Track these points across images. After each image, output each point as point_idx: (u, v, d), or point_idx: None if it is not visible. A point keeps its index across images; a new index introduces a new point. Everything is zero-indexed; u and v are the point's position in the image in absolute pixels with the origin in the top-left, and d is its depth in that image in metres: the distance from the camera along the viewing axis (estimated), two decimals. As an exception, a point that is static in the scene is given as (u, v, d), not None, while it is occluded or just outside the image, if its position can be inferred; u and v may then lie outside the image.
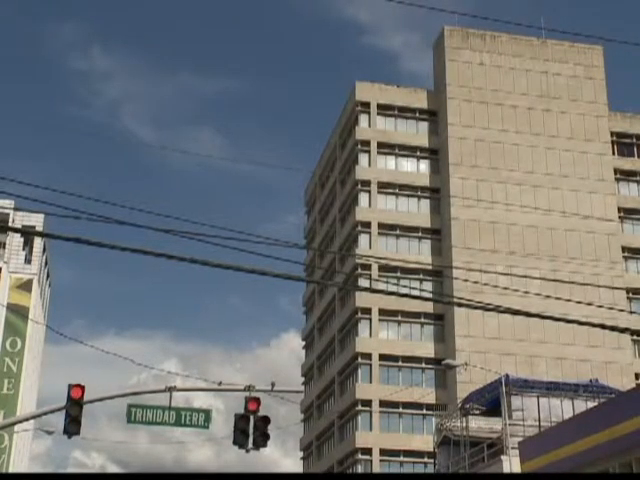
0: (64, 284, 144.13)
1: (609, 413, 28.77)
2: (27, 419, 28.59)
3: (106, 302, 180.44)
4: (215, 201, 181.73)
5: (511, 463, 33.65)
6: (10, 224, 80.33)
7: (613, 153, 71.24)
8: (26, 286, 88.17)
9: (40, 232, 64.40)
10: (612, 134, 71.70)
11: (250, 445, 21.10)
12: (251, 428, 21.12)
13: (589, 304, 22.21)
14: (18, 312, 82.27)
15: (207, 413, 22.43)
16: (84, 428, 20.69)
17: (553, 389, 39.38)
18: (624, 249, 68.30)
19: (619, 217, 69.14)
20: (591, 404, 35.86)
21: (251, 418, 21.19)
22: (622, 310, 54.52)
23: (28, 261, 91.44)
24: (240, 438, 21.00)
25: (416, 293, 46.71)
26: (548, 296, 24.86)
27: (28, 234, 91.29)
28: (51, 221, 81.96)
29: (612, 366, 62.28)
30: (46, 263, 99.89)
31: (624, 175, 71.64)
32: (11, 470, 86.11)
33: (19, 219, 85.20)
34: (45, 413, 23.23)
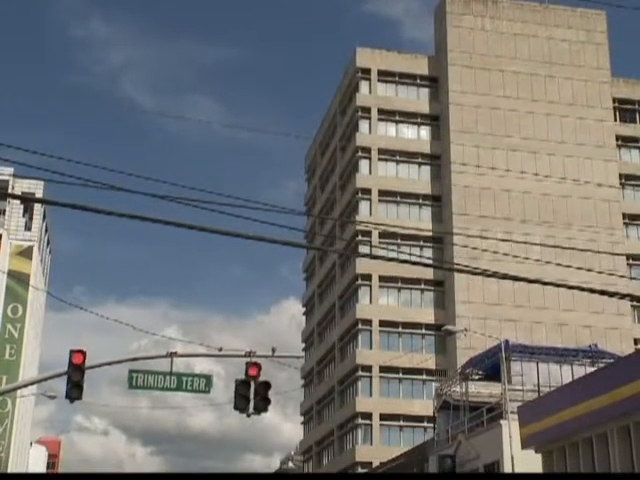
0: (65, 251, 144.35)
1: (608, 377, 28.92)
2: (29, 384, 28.74)
3: (107, 269, 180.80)
4: (215, 168, 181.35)
5: (510, 427, 33.90)
6: (10, 191, 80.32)
7: (615, 119, 70.96)
8: (26, 253, 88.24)
9: (40, 199, 64.45)
10: (614, 100, 71.38)
11: (251, 410, 21.19)
12: (252, 393, 21.20)
13: (589, 270, 22.21)
14: (19, 279, 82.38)
15: (208, 378, 22.51)
16: (86, 393, 20.79)
17: (552, 355, 39.54)
18: (625, 215, 68.28)
19: (620, 183, 69.04)
20: (590, 369, 36.05)
21: (252, 383, 21.24)
22: (622, 276, 54.62)
23: (28, 228, 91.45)
24: (241, 403, 21.08)
25: (416, 259, 46.83)
26: (548, 262, 24.87)
27: (28, 201, 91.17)
28: (51, 188, 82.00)
29: (612, 332, 62.52)
30: (46, 230, 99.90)
31: (625, 141, 71.42)
32: (14, 434, 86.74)
33: (19, 186, 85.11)
34: (47, 378, 23.33)
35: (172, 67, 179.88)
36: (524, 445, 33.42)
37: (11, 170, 78.59)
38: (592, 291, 17.15)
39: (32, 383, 28.57)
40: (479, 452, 38.11)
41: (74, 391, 20.06)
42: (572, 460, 31.22)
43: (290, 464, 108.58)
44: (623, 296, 17.35)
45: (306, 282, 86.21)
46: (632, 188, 70.46)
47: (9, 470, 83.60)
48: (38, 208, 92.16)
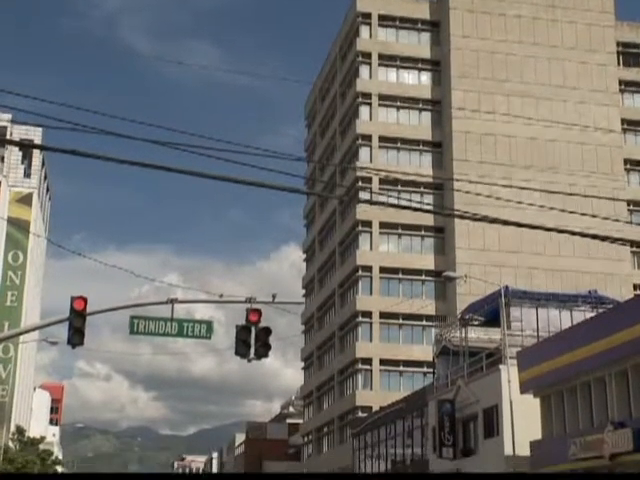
0: (64, 198, 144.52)
1: (607, 323, 29.10)
2: (31, 330, 28.92)
3: (107, 216, 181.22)
4: (214, 114, 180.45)
5: (509, 372, 34.20)
6: (8, 137, 79.87)
7: (618, 64, 70.20)
8: (26, 200, 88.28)
9: (38, 145, 64.05)
10: (618, 44, 70.51)
11: (252, 355, 21.30)
12: (252, 339, 21.29)
13: (593, 216, 22.11)
14: (19, 226, 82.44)
15: (209, 324, 22.58)
16: (88, 340, 20.91)
17: (552, 300, 39.72)
18: (626, 161, 67.95)
19: (622, 129, 68.56)
20: (589, 315, 36.23)
21: (252, 329, 21.32)
22: (625, 222, 54.53)
23: (27, 175, 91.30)
24: (242, 348, 21.18)
25: (417, 206, 46.87)
26: (552, 208, 24.83)
27: (26, 147, 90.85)
28: (50, 134, 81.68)
29: (611, 277, 62.61)
30: (45, 177, 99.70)
31: (628, 86, 70.74)
32: (17, 379, 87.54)
33: (17, 132, 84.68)
34: (48, 324, 23.44)
35: (169, 11, 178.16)
36: (523, 390, 33.77)
37: (9, 116, 78.13)
38: (593, 237, 17.13)
39: (34, 329, 28.72)
40: (478, 397, 38.50)
41: (76, 337, 20.15)
42: (570, 404, 31.56)
43: (291, 409, 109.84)
44: (622, 241, 17.31)
45: (306, 229, 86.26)
46: (634, 133, 70.02)
47: (13, 413, 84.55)
48: (37, 155, 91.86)
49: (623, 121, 68.70)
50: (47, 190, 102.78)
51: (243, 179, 13.65)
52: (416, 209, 15.52)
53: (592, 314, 35.91)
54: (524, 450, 32.83)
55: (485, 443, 37.97)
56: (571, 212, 22.70)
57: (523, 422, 32.94)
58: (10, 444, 66.18)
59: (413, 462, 48.91)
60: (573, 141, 66.52)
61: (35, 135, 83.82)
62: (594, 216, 21.79)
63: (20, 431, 69.14)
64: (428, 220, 65.72)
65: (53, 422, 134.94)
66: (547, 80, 67.66)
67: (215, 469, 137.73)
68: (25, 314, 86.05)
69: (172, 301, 22.12)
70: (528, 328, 38.87)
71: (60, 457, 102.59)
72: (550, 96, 67.27)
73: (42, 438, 73.89)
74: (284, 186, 14.22)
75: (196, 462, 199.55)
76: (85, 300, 20.43)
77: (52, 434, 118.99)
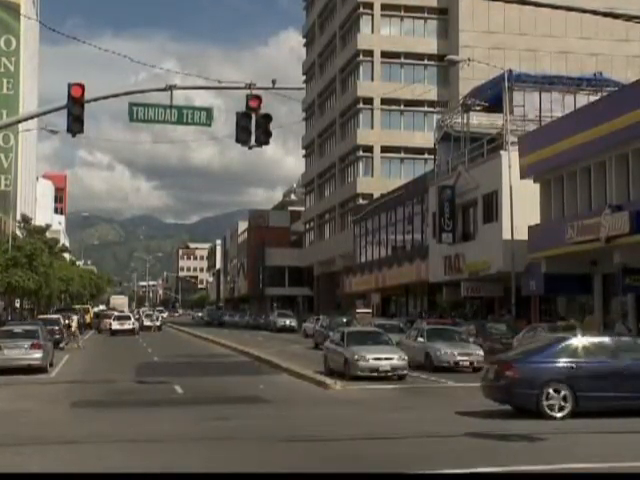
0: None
1: (610, 106, 28.75)
2: (30, 118, 28.50)
3: (101, 1, 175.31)
4: None
5: (510, 158, 34.20)
6: None
7: None
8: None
9: None
10: None
11: (252, 142, 21.09)
12: (253, 126, 21.00)
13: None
14: (9, 8, 79.74)
15: (209, 110, 22.20)
16: (88, 129, 20.60)
17: (556, 84, 39.14)
18: None
19: None
20: (593, 98, 35.79)
21: (253, 116, 20.99)
22: None
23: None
24: (243, 135, 20.93)
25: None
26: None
27: None
28: None
29: (618, 59, 60.86)
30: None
31: None
32: (20, 168, 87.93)
33: None
34: (47, 112, 23.05)
35: None
36: (523, 175, 33.93)
37: None
38: (604, 15, 16.51)
39: (32, 117, 28.29)
40: (478, 183, 38.79)
41: (75, 125, 19.84)
42: (569, 189, 31.80)
43: (292, 197, 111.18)
44: (637, 18, 16.64)
45: (306, 12, 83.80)
46: None
47: (18, 202, 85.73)
48: None
49: None
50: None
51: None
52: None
53: (596, 97, 35.46)
54: (522, 235, 33.41)
55: (484, 228, 38.65)
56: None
57: (522, 207, 33.31)
58: (17, 232, 67.39)
59: (413, 247, 50.05)
60: None
61: None
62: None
63: (26, 219, 70.14)
64: (432, 1, 63.82)
65: (58, 211, 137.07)
66: None
67: (219, 256, 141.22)
68: (23, 102, 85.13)
69: (171, 88, 21.59)
70: (531, 113, 38.58)
71: (67, 245, 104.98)
72: None
73: (47, 226, 75.13)
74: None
75: (200, 250, 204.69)
76: (82, 87, 19.94)
77: (58, 223, 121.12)
